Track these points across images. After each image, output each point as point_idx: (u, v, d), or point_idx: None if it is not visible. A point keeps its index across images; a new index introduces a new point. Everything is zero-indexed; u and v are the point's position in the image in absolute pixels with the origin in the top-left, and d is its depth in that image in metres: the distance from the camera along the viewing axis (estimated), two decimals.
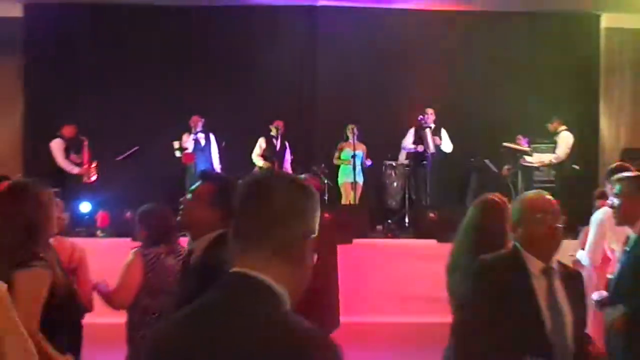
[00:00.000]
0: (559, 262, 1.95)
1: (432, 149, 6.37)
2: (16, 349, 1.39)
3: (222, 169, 6.67)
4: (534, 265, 1.88)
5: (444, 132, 6.50)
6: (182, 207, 2.01)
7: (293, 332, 0.92)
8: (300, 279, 0.99)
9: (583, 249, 3.29)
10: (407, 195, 6.67)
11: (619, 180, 2.50)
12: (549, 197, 1.95)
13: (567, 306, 1.87)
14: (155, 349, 1.00)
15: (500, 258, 2.00)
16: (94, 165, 6.48)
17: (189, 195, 2.00)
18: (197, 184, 2.02)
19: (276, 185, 0.98)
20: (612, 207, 2.48)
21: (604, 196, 3.27)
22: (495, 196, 2.52)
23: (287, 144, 6.84)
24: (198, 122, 6.72)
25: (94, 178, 6.49)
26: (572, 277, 1.97)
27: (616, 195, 2.46)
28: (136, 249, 2.61)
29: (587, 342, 1.98)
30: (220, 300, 0.96)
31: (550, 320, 1.82)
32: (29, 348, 1.44)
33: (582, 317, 1.90)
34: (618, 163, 3.87)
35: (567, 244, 2.33)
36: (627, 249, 2.41)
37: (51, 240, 2.07)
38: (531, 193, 2.16)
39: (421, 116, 6.41)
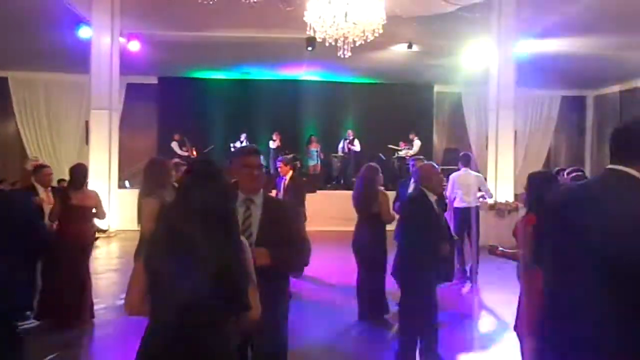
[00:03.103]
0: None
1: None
2: None
3: None
4: (431, 197, 3.88)
5: (356, 141, 13.92)
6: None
7: None
8: None
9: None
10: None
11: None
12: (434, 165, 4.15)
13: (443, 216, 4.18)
14: (561, 203, 1.74)
15: (417, 194, 4.00)
16: (194, 153, 13.58)
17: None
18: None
19: None
20: None
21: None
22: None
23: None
24: (242, 136, 13.96)
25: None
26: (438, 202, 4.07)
27: None
28: None
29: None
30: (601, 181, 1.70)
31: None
32: None
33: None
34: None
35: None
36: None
37: None
38: (426, 163, 4.32)
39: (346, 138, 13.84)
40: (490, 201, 9.84)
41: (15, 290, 2.78)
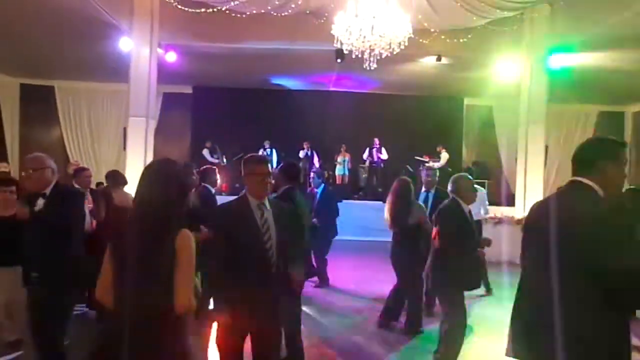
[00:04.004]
0: None
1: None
2: None
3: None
4: (465, 207, 3.89)
5: (383, 149, 13.91)
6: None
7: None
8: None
9: None
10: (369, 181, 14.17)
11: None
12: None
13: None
14: (529, 216, 2.17)
15: (451, 203, 3.96)
16: (225, 160, 13.90)
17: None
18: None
19: None
20: None
21: None
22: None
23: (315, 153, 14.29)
24: (266, 144, 14.18)
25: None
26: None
27: None
28: None
29: None
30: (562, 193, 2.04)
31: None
32: None
33: None
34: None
35: None
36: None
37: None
38: (460, 174, 4.13)
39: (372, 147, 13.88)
40: (518, 216, 9.69)
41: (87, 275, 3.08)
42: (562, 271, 1.81)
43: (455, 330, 3.88)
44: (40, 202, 3.16)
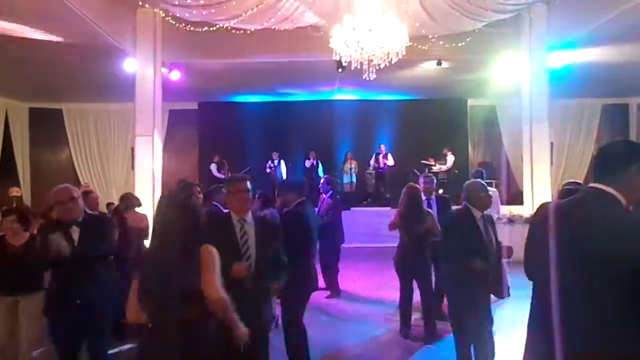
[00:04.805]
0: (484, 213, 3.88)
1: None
2: None
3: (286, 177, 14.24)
4: (477, 213, 3.81)
5: (389, 156, 13.98)
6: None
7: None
8: None
9: None
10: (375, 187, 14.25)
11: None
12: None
13: (491, 233, 3.76)
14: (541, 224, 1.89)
15: (460, 210, 3.91)
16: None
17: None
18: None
19: None
20: None
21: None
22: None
23: (319, 162, 14.40)
24: (274, 156, 14.31)
25: None
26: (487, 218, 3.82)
27: None
28: None
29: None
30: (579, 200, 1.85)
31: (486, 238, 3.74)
32: None
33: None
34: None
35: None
36: None
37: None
38: (473, 181, 4.06)
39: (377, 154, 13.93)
40: (527, 215, 9.71)
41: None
42: (596, 291, 1.66)
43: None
44: (74, 232, 3.35)
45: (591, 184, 1.86)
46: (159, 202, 2.47)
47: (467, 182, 4.10)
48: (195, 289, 2.28)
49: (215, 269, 2.36)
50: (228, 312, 2.37)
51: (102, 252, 3.41)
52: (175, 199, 2.50)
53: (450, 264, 3.92)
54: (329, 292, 6.99)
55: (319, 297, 6.86)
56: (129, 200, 5.59)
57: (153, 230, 2.44)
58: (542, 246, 1.84)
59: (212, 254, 2.39)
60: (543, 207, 2.03)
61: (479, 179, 4.23)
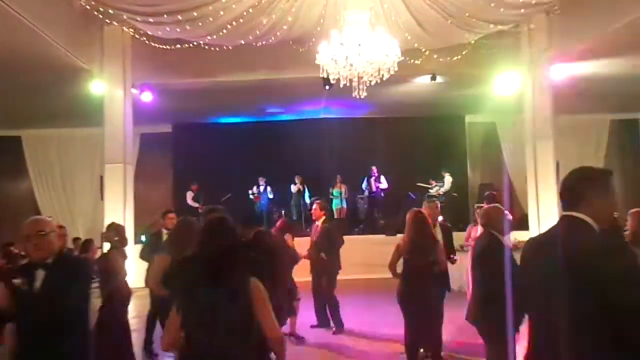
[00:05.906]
0: None
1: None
2: None
3: (272, 203, 14.11)
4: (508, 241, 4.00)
5: (382, 178, 13.94)
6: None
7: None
8: None
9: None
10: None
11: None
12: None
13: None
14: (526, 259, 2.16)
15: (490, 241, 3.94)
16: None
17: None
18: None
19: None
20: None
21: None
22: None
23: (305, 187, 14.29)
24: (261, 181, 14.23)
25: None
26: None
27: None
28: None
29: None
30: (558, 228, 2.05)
31: None
32: None
33: None
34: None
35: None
36: None
37: None
38: (492, 205, 4.19)
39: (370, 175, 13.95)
40: None
41: None
42: (575, 315, 1.87)
43: None
44: (39, 275, 2.79)
45: (564, 213, 2.10)
46: (205, 226, 2.68)
47: (486, 207, 4.17)
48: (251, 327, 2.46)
49: (268, 302, 2.53)
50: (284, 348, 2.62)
51: (70, 307, 2.75)
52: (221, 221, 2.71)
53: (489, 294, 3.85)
54: (333, 328, 7.01)
55: (320, 333, 6.91)
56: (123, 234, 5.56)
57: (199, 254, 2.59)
58: (534, 281, 2.09)
59: (260, 288, 2.52)
60: (529, 242, 2.25)
61: (497, 204, 4.23)
